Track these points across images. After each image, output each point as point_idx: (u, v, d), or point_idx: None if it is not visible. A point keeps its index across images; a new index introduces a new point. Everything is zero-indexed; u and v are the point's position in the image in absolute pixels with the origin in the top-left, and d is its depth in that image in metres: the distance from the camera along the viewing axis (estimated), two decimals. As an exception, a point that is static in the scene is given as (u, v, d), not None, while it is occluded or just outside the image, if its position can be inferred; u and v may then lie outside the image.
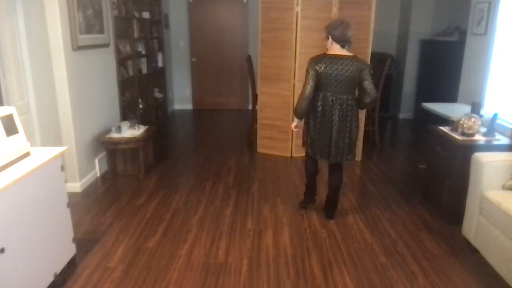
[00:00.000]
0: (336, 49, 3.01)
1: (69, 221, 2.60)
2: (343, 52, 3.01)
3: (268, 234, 3.09)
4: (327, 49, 3.06)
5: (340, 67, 2.96)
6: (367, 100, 3.03)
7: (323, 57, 3.01)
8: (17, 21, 3.14)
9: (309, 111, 3.12)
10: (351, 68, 2.95)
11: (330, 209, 3.36)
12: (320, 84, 3.02)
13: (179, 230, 3.14)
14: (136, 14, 5.50)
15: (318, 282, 2.52)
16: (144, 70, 5.82)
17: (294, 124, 3.25)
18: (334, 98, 3.02)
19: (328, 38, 3.04)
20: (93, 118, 4.12)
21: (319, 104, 3.06)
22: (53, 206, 2.40)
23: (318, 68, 2.98)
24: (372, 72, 5.09)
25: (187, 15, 7.34)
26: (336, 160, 3.16)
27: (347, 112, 3.03)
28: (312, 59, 3.04)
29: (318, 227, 3.20)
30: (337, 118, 3.04)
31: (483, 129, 3.30)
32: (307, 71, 3.03)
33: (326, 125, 3.07)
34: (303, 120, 3.22)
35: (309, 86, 3.01)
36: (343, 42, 3.00)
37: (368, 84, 2.98)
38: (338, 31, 2.97)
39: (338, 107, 3.02)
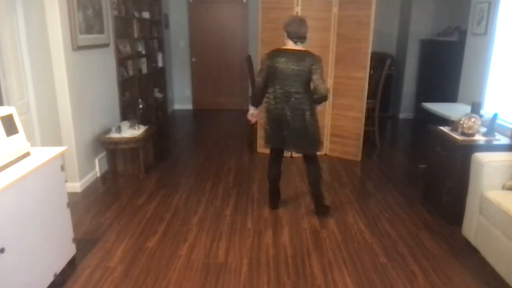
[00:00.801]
0: (289, 45, 3.09)
1: (69, 221, 2.60)
2: (296, 47, 3.08)
3: (268, 234, 3.09)
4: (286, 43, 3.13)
5: (290, 62, 3.03)
6: (316, 96, 3.06)
7: (276, 52, 3.09)
8: (17, 21, 3.14)
9: (261, 102, 3.26)
10: (301, 63, 3.01)
11: (316, 205, 3.40)
12: (271, 77, 3.11)
13: (179, 230, 3.14)
14: (136, 14, 5.50)
15: (318, 282, 2.52)
16: (144, 70, 5.82)
17: (250, 112, 3.34)
18: (283, 91, 3.08)
19: (284, 33, 3.10)
20: (93, 118, 4.12)
21: (271, 97, 3.15)
22: (53, 206, 2.40)
23: (269, 62, 3.08)
24: (372, 72, 5.13)
25: (187, 15, 7.34)
26: (300, 151, 3.28)
27: (297, 105, 3.08)
28: (266, 53, 3.16)
29: (318, 227, 3.20)
30: (288, 112, 3.09)
31: (483, 129, 3.30)
32: (261, 64, 3.17)
33: (279, 118, 3.13)
34: (260, 111, 3.32)
35: (260, 77, 3.16)
36: (297, 38, 3.06)
37: (317, 79, 3.01)
38: (292, 27, 3.04)
39: (285, 100, 3.09)
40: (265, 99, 3.20)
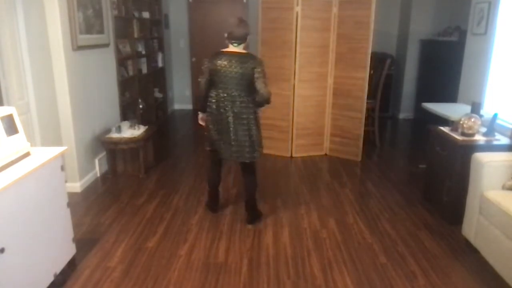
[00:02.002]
0: (230, 47, 3.01)
1: (69, 221, 2.60)
2: (237, 49, 3.00)
3: (268, 234, 3.09)
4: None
5: (230, 64, 2.94)
6: (258, 99, 2.99)
7: (217, 54, 3.01)
8: (17, 21, 3.14)
9: (205, 106, 3.11)
10: (244, 66, 2.93)
11: (249, 213, 3.27)
12: (213, 80, 3.03)
13: (179, 230, 3.14)
14: (136, 14, 5.50)
15: (318, 282, 2.52)
16: (144, 70, 5.82)
17: (199, 116, 3.28)
18: (225, 95, 2.99)
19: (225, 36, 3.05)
20: (93, 118, 4.12)
21: (213, 101, 3.04)
22: (53, 206, 2.40)
23: (211, 65, 2.99)
24: (372, 72, 5.13)
25: (187, 15, 7.34)
26: (240, 159, 3.09)
27: (241, 109, 2.99)
28: (209, 57, 3.06)
29: (318, 227, 3.20)
30: (231, 115, 2.99)
31: (483, 129, 3.30)
32: (203, 66, 3.07)
33: (221, 123, 3.04)
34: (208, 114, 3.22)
35: (202, 81, 3.08)
36: (234, 39, 2.98)
37: (258, 83, 2.94)
38: (229, 28, 2.98)
39: (230, 104, 2.99)
40: (208, 103, 3.08)
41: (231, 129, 3.01)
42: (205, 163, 4.61)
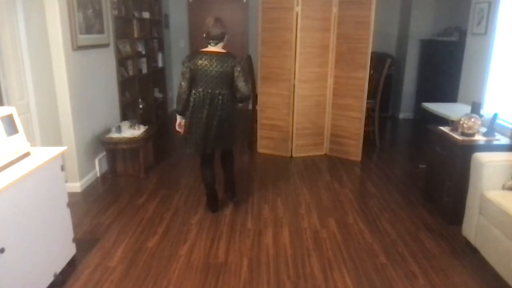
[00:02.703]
0: (209, 47, 3.11)
1: (69, 221, 2.60)
2: (215, 49, 3.10)
3: (268, 234, 3.09)
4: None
5: (211, 63, 3.04)
6: (238, 95, 3.12)
7: (196, 54, 3.10)
8: (17, 21, 3.14)
9: (186, 107, 3.16)
10: (224, 64, 3.04)
11: (230, 189, 3.53)
12: (193, 79, 3.09)
13: (179, 230, 3.14)
14: (136, 14, 5.50)
15: (318, 282, 2.52)
16: (144, 70, 5.82)
17: (177, 122, 3.28)
18: (205, 93, 3.08)
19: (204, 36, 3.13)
20: (93, 118, 4.12)
21: (191, 99, 3.11)
22: (53, 206, 2.40)
23: (191, 65, 3.06)
24: (372, 72, 5.13)
25: (187, 15, 7.34)
26: (224, 146, 3.31)
27: (222, 105, 3.10)
28: (186, 56, 3.13)
29: (318, 227, 3.20)
30: (212, 111, 3.09)
31: (483, 129, 3.30)
32: (182, 68, 3.10)
33: (200, 120, 3.11)
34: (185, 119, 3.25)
35: (182, 82, 3.10)
36: (211, 39, 3.08)
37: (239, 81, 3.07)
38: (206, 28, 3.08)
39: (208, 101, 3.08)
40: (188, 103, 3.14)
41: (214, 122, 3.12)
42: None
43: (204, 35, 3.10)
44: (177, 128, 3.30)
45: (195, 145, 3.19)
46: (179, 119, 3.26)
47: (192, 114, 3.13)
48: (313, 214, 3.41)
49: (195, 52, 3.13)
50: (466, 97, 4.50)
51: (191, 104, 3.11)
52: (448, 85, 5.60)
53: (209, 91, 3.07)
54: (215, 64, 3.03)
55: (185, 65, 3.07)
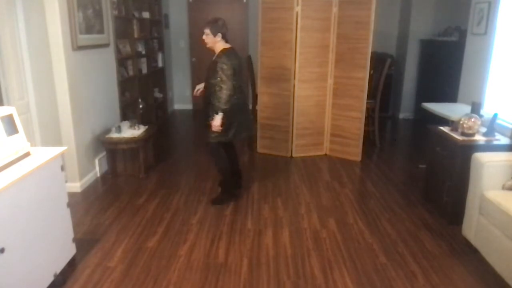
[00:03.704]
0: (228, 44, 3.35)
1: (69, 221, 2.60)
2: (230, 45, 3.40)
3: (268, 234, 3.09)
4: (212, 45, 3.33)
5: (240, 59, 3.39)
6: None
7: (232, 51, 3.32)
8: (17, 21, 3.14)
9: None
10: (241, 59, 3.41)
11: (239, 178, 3.82)
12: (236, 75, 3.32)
13: (179, 230, 3.14)
14: (136, 14, 5.50)
15: (318, 282, 2.52)
16: (144, 70, 5.82)
17: (220, 117, 3.25)
18: (239, 85, 3.34)
19: (215, 35, 3.28)
20: (93, 118, 4.12)
21: (236, 94, 3.34)
22: (53, 206, 2.40)
23: (237, 61, 3.30)
24: (372, 72, 5.12)
25: (187, 15, 7.34)
26: (250, 132, 3.69)
27: (246, 95, 3.55)
28: (225, 56, 3.23)
29: (318, 227, 3.20)
30: (247, 101, 3.56)
31: (483, 129, 3.30)
32: (227, 69, 3.19)
33: (242, 109, 3.45)
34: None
35: (233, 82, 3.24)
36: (226, 37, 3.36)
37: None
38: (225, 28, 3.31)
39: (243, 93, 3.44)
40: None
41: (248, 112, 3.57)
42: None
43: (222, 35, 3.29)
44: (219, 126, 3.28)
45: (237, 132, 3.43)
46: (221, 115, 3.26)
47: (237, 105, 3.34)
48: (313, 214, 3.41)
49: (228, 49, 3.30)
50: (466, 97, 4.50)
51: (236, 99, 3.31)
52: (448, 85, 5.60)
53: (240, 83, 3.36)
54: (239, 58, 3.35)
55: (229, 64, 3.20)
